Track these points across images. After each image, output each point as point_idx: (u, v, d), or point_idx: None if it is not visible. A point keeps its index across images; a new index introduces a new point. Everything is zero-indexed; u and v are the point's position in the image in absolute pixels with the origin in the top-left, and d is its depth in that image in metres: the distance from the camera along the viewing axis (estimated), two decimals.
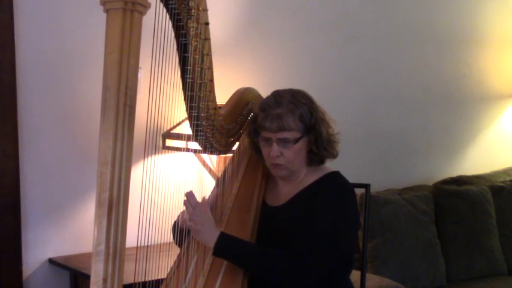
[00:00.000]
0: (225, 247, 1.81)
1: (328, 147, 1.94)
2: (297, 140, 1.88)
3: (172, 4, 1.62)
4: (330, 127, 1.96)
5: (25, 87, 2.51)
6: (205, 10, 1.71)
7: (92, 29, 2.58)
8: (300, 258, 1.79)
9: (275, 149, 1.88)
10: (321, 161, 1.97)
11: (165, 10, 1.61)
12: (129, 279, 1.65)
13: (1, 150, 2.46)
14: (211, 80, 1.84)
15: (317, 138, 1.91)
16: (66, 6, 2.59)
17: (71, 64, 2.62)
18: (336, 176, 1.97)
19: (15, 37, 2.46)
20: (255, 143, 2.01)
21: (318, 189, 1.92)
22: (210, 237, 1.81)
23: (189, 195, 1.81)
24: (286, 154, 1.89)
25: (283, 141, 1.88)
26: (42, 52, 2.55)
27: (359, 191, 3.03)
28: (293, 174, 1.96)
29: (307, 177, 1.97)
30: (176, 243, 1.99)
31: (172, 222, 2.02)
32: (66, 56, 2.61)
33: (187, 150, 2.61)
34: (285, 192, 1.99)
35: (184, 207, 1.85)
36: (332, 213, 1.86)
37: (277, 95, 1.92)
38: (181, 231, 1.91)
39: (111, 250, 1.28)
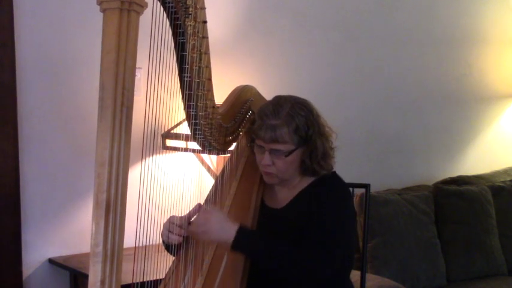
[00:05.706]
0: (244, 242, 1.76)
1: (322, 162, 1.90)
2: (289, 153, 1.86)
3: (169, 3, 1.61)
4: (328, 141, 1.92)
5: (25, 87, 2.51)
6: (203, 8, 1.70)
7: (92, 29, 2.57)
8: (328, 259, 1.78)
9: (267, 158, 1.87)
10: (314, 174, 1.93)
11: (162, 9, 1.61)
12: (127, 279, 1.65)
13: (1, 151, 2.46)
14: (209, 79, 1.83)
15: (312, 152, 1.88)
16: (66, 6, 2.60)
17: (71, 64, 2.62)
18: (333, 176, 1.97)
19: (15, 37, 2.47)
20: (252, 146, 2.00)
21: (319, 190, 1.91)
22: (227, 234, 1.75)
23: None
24: (277, 164, 1.88)
25: (276, 152, 1.86)
26: (42, 52, 2.55)
27: (359, 191, 3.04)
28: (285, 181, 1.95)
29: (304, 180, 1.96)
30: (171, 252, 1.95)
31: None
32: (66, 56, 2.61)
33: (187, 150, 2.61)
34: (282, 195, 1.98)
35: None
36: (341, 213, 1.86)
37: (276, 104, 1.88)
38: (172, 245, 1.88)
39: (108, 251, 1.27)
